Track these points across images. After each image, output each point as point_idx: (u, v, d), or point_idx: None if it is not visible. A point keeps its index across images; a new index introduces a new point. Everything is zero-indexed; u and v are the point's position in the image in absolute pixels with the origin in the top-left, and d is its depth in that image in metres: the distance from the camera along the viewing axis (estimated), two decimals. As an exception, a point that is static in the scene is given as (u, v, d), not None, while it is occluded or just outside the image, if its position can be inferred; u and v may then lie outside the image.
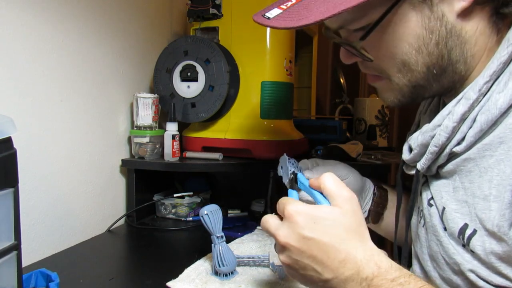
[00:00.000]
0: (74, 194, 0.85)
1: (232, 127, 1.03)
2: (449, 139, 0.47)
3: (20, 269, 0.47)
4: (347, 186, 0.46)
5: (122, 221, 0.98)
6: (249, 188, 1.15)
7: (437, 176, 0.53)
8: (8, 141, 0.44)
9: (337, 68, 1.60)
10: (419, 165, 0.52)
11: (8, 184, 0.44)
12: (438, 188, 0.52)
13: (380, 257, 0.43)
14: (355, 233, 0.44)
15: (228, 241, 0.71)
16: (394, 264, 0.43)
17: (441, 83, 0.49)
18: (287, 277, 0.66)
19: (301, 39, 1.19)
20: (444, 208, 0.49)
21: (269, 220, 0.47)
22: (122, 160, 1.00)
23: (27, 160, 0.73)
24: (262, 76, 1.00)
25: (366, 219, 0.70)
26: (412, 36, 0.46)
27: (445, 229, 0.49)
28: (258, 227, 0.94)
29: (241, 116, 1.02)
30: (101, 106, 0.93)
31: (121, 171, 1.01)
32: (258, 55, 1.00)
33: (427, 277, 0.54)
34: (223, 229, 0.69)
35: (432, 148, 0.49)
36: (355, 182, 0.67)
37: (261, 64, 1.00)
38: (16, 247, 0.46)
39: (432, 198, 0.53)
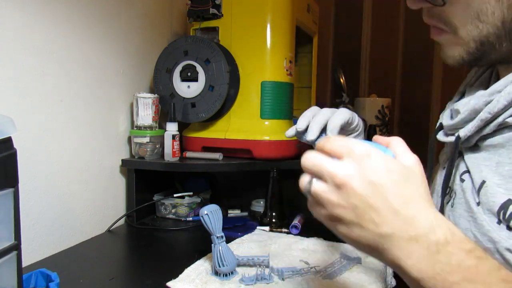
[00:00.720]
0: (74, 194, 0.85)
1: (232, 127, 1.03)
2: (506, 108, 0.44)
3: (20, 269, 0.47)
4: None
5: (122, 221, 0.98)
6: (249, 188, 1.15)
7: (475, 149, 0.50)
8: (8, 141, 0.44)
9: (337, 68, 1.60)
10: (462, 132, 0.48)
11: (8, 184, 0.44)
12: (477, 161, 0.48)
13: (453, 225, 0.37)
14: (426, 196, 0.39)
15: (228, 241, 0.71)
16: (466, 236, 0.37)
17: (508, 47, 0.45)
18: (287, 278, 0.66)
19: (301, 39, 1.19)
20: (484, 182, 0.46)
21: (319, 155, 0.39)
22: (122, 160, 1.00)
23: (27, 160, 0.73)
24: (262, 76, 1.00)
25: None
26: None
27: (478, 204, 0.46)
28: (258, 227, 0.94)
29: (241, 116, 1.02)
30: (101, 106, 0.93)
31: (121, 171, 1.01)
32: (258, 55, 1.00)
33: None
34: (223, 229, 0.69)
35: (484, 115, 0.46)
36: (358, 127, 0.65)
37: (261, 64, 1.00)
38: (16, 247, 0.46)
39: (465, 172, 0.50)
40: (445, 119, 0.54)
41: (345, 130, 0.63)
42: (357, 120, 0.63)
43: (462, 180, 0.50)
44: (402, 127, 1.69)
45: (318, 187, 0.38)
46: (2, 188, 0.43)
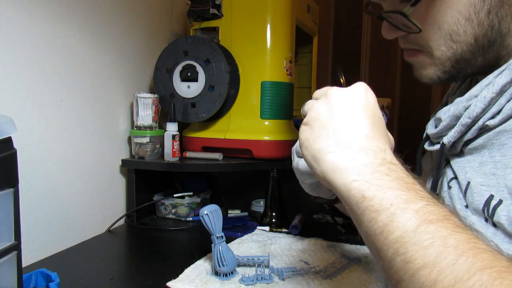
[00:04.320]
0: (74, 194, 0.85)
1: (232, 127, 1.03)
2: (484, 111, 0.46)
3: (20, 269, 0.47)
4: None
5: (122, 221, 0.98)
6: (249, 188, 1.15)
7: (460, 154, 0.51)
8: (8, 141, 0.44)
9: (337, 68, 1.60)
10: (446, 139, 0.50)
11: (8, 184, 0.44)
12: (462, 165, 0.50)
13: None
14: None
15: (228, 241, 0.71)
16: None
17: (486, 58, 0.47)
18: (287, 278, 0.66)
19: (301, 39, 1.19)
20: (469, 183, 0.47)
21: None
22: (122, 160, 1.00)
23: (27, 160, 0.73)
24: (262, 76, 1.00)
25: (336, 200, 0.69)
26: (463, 3, 0.44)
27: (466, 206, 0.47)
28: (258, 227, 0.94)
29: (241, 116, 1.02)
30: (101, 106, 0.93)
31: (121, 171, 1.01)
32: (258, 55, 1.00)
33: None
34: (223, 229, 0.69)
35: (464, 120, 0.47)
36: None
37: (261, 64, 1.00)
38: (16, 247, 0.46)
39: (453, 178, 0.51)
40: (429, 128, 0.56)
41: None
42: None
43: (449, 187, 0.52)
44: (402, 127, 1.69)
45: (313, 101, 0.46)
46: (2, 188, 0.43)
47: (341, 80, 1.58)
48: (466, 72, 0.50)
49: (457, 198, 0.49)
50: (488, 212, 0.44)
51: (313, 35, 1.31)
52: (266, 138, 0.99)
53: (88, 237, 0.88)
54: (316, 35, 1.32)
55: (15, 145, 0.45)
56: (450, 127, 0.50)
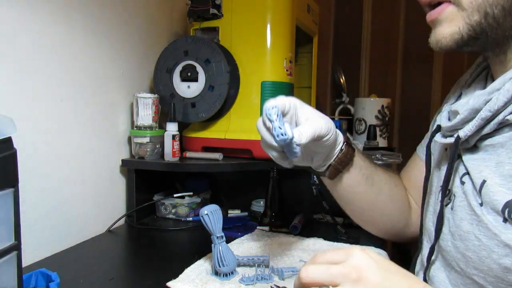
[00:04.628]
0: (74, 194, 0.85)
1: (232, 127, 1.03)
2: (506, 105, 0.45)
3: (20, 269, 0.47)
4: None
5: (122, 221, 0.98)
6: (249, 188, 1.15)
7: (474, 150, 0.50)
8: (8, 141, 0.44)
9: (337, 68, 1.60)
10: (463, 132, 0.49)
11: (8, 184, 0.44)
12: (476, 163, 0.49)
13: None
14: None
15: (228, 241, 0.71)
16: None
17: (511, 23, 0.45)
18: (287, 278, 0.66)
19: (301, 39, 1.18)
20: (484, 181, 0.46)
21: (319, 265, 0.43)
22: (122, 160, 1.00)
23: (27, 160, 0.73)
24: (262, 76, 1.00)
25: (324, 173, 0.67)
26: None
27: (481, 204, 0.46)
28: (258, 227, 0.94)
29: (241, 116, 1.02)
30: (101, 106, 0.93)
31: (121, 171, 1.01)
32: (258, 55, 1.00)
33: (446, 263, 0.52)
34: (223, 229, 0.69)
35: (484, 113, 0.46)
36: (333, 138, 0.61)
37: (261, 64, 1.00)
38: (16, 247, 0.46)
39: (465, 174, 0.50)
40: (443, 120, 0.54)
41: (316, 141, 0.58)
42: (331, 135, 0.59)
43: (462, 183, 0.50)
44: (402, 127, 1.69)
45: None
46: (2, 188, 0.43)
47: (341, 80, 1.58)
48: (491, 35, 0.47)
49: (472, 195, 0.48)
50: (510, 214, 0.43)
51: (313, 35, 1.30)
52: (266, 138, 0.98)
53: (88, 237, 0.88)
54: (316, 35, 1.32)
55: (15, 145, 0.45)
56: (467, 120, 0.49)
